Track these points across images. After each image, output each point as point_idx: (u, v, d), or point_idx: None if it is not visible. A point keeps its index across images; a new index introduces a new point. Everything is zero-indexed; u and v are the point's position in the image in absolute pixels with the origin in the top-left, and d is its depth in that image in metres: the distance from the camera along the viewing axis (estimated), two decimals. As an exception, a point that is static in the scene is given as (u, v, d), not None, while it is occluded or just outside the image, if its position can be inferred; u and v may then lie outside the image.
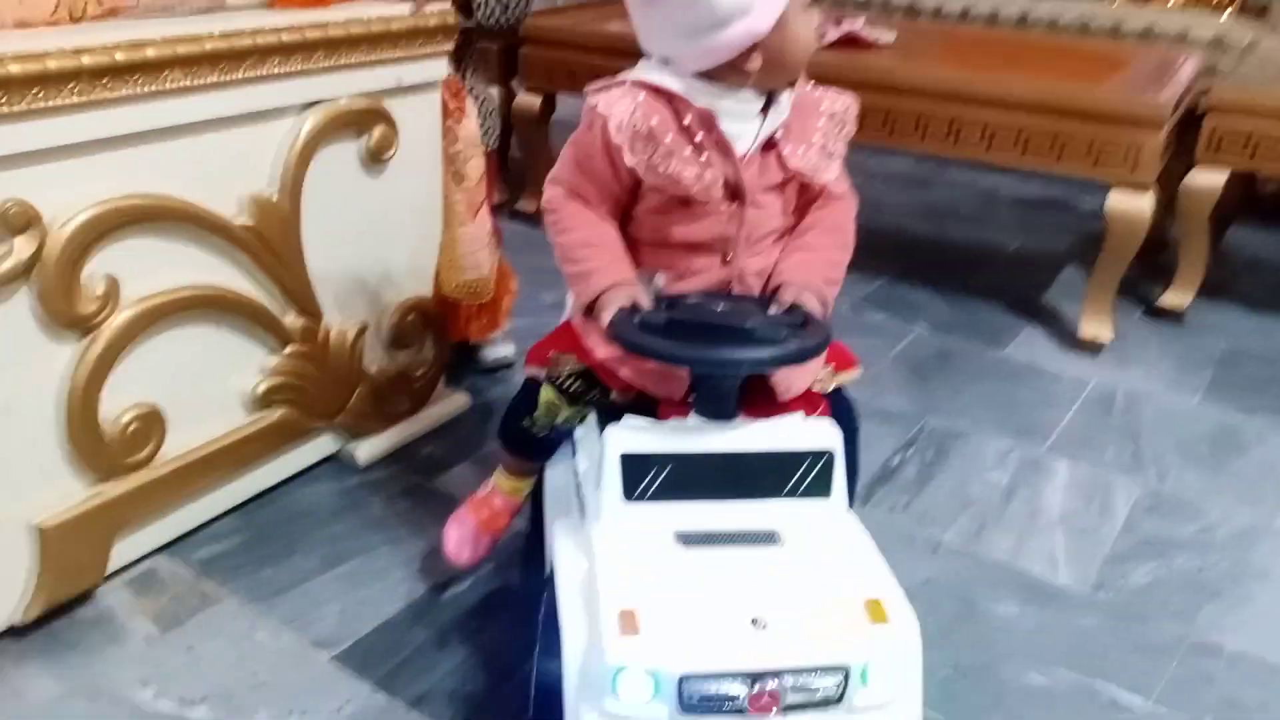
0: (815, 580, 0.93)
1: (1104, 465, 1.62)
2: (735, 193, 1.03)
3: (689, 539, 0.97)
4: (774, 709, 0.87)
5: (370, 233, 1.43)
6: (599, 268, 1.03)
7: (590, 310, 1.03)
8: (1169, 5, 2.83)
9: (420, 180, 1.47)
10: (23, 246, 1.03)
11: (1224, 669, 1.21)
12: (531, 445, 1.23)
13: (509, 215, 2.55)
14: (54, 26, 1.08)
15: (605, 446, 0.99)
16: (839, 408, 1.14)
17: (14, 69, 0.97)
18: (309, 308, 1.36)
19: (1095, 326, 1.99)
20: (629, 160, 1.00)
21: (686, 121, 1.00)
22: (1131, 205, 1.87)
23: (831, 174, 1.06)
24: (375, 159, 1.39)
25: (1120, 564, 1.39)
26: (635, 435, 0.99)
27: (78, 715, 1.07)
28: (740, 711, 0.87)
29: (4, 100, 0.97)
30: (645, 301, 1.00)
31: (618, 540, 0.97)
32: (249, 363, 1.33)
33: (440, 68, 1.44)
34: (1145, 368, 1.95)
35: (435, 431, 1.62)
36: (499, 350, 1.82)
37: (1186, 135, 1.98)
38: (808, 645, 0.88)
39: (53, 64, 1.00)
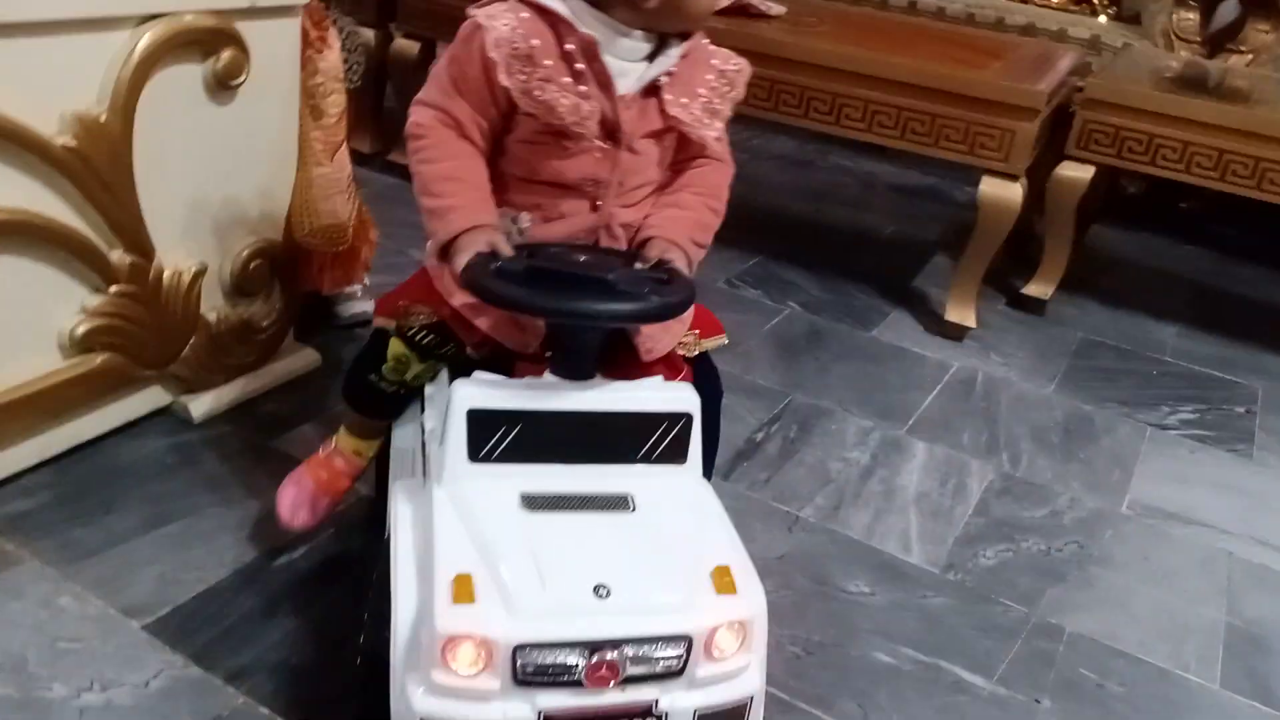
0: (663, 548, 0.90)
1: (960, 448, 1.64)
2: (611, 132, 0.98)
3: (535, 502, 0.92)
4: (612, 681, 0.83)
5: (215, 166, 1.32)
6: (459, 206, 0.97)
7: (446, 252, 0.96)
8: (1052, 3, 2.91)
9: (273, 113, 1.37)
10: None
11: (1064, 651, 1.24)
12: (378, 402, 1.16)
13: (381, 166, 2.44)
14: None
15: (451, 402, 0.93)
16: (702, 374, 1.11)
17: None
18: (140, 244, 1.25)
19: (960, 312, 2.02)
20: (504, 80, 0.94)
21: (569, 47, 0.95)
22: (1002, 193, 1.89)
23: (711, 132, 1.02)
24: (222, 85, 1.28)
25: (970, 545, 1.41)
26: (484, 391, 0.94)
27: None
28: (577, 684, 0.83)
29: None
30: (505, 248, 0.94)
31: (459, 502, 0.91)
32: (68, 301, 1.21)
33: (299, -6, 1.34)
34: (1005, 355, 1.99)
35: (280, 388, 1.52)
36: (356, 306, 1.72)
37: (1059, 131, 2.02)
38: (650, 614, 0.85)
39: None
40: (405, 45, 2.33)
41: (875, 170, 2.98)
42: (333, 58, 1.40)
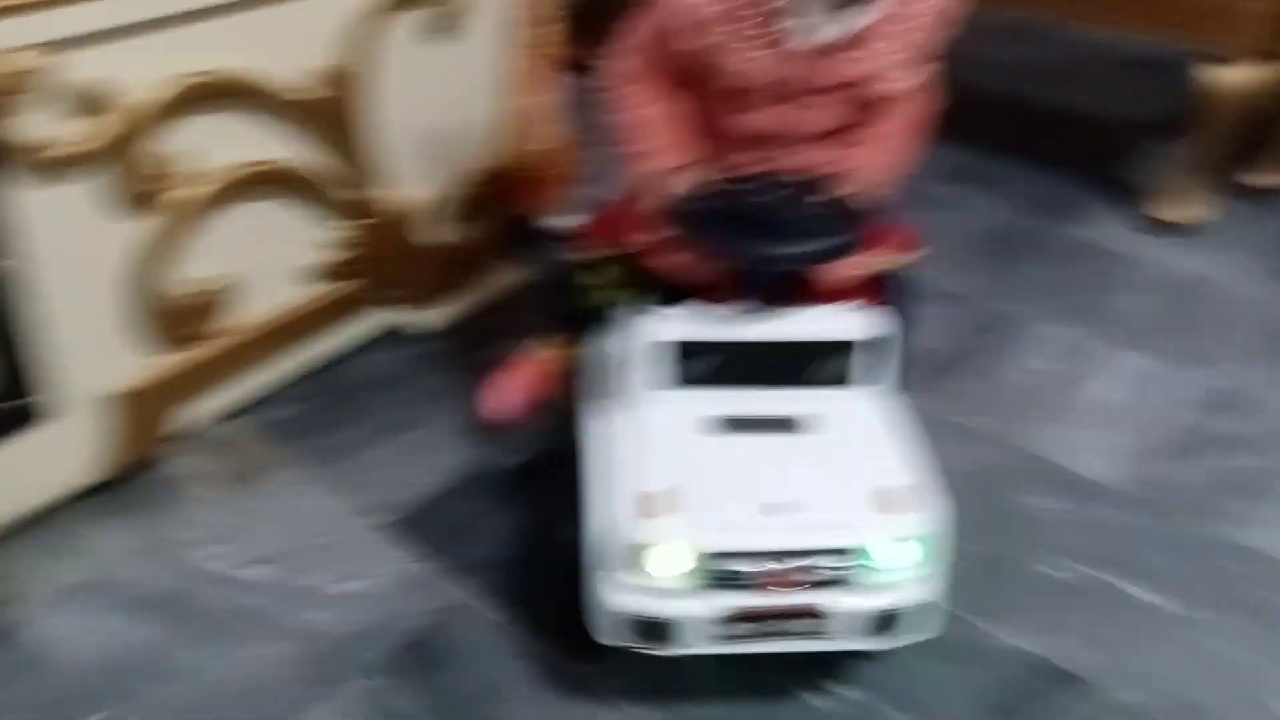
0: (830, 467, 0.97)
1: (1163, 357, 1.58)
2: (785, 89, 1.00)
3: (712, 425, 1.00)
4: (787, 585, 0.91)
5: (440, 104, 1.42)
6: (660, 148, 1.04)
7: (647, 190, 1.03)
8: None
9: (493, 48, 1.44)
10: (94, 129, 1.05)
11: (1245, 569, 1.21)
12: (576, 322, 1.26)
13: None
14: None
15: (635, 334, 1.02)
16: (895, 291, 1.13)
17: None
18: (373, 181, 1.37)
19: (1172, 209, 1.90)
20: (685, 43, 0.99)
21: (755, 14, 0.97)
22: (1228, 77, 1.74)
23: (900, 85, 1.02)
24: (446, 29, 1.36)
25: (1159, 460, 1.38)
26: (667, 324, 1.02)
27: (144, 573, 1.17)
28: (750, 588, 0.92)
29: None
30: (693, 188, 1.01)
31: (645, 424, 1.00)
32: (312, 237, 1.36)
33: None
34: (1220, 252, 1.86)
35: (494, 303, 1.65)
36: (561, 221, 1.81)
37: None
38: (816, 530, 0.92)
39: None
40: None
41: (1102, 41, 2.75)
42: (542, -5, 1.46)
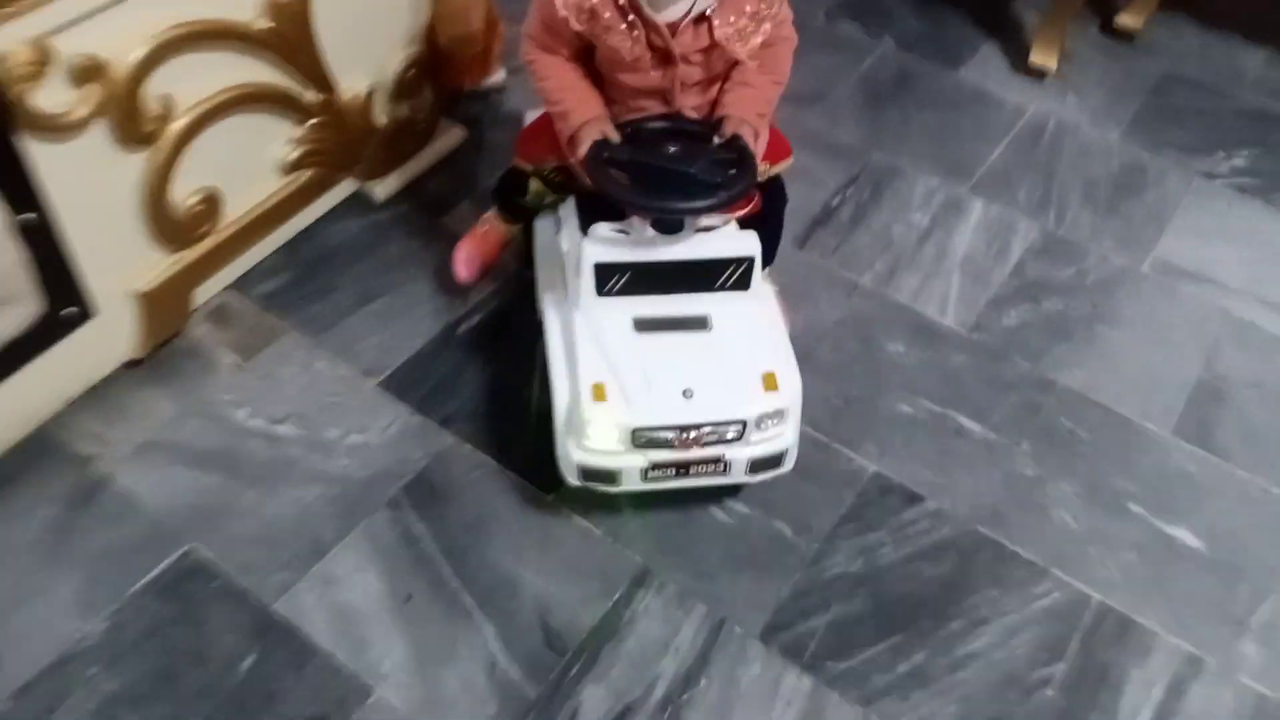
0: (729, 359, 1.29)
1: (1014, 205, 1.90)
2: (666, 56, 1.23)
3: (643, 325, 1.31)
4: (694, 446, 1.27)
5: (372, 4, 1.58)
6: (573, 107, 1.27)
7: (571, 141, 1.27)
8: None
9: (416, -50, 1.59)
10: (94, 92, 1.24)
11: (1052, 401, 1.60)
12: (521, 211, 1.54)
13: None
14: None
15: (582, 255, 1.30)
16: (773, 191, 1.42)
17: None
18: (324, 84, 1.56)
19: (1044, 53, 2.14)
20: (576, 27, 1.21)
21: (621, 1, 1.19)
22: (1094, -56, 1.95)
23: (755, 41, 1.24)
24: (373, -62, 1.51)
25: (999, 306, 1.73)
26: (604, 247, 1.30)
27: (195, 430, 1.47)
28: (672, 446, 1.27)
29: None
30: (613, 134, 1.25)
31: (590, 325, 1.31)
32: (281, 137, 1.56)
33: None
34: (1081, 96, 2.14)
35: (439, 165, 1.87)
36: (492, 77, 2.00)
37: None
38: (718, 408, 1.26)
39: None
40: None
41: None
42: (459, -112, 1.58)
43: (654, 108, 1.29)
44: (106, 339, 1.45)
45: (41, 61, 1.17)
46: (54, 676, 1.22)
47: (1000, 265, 1.80)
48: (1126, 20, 2.25)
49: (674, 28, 1.21)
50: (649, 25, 1.20)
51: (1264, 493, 1.50)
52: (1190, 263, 1.82)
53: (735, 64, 1.28)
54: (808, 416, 1.49)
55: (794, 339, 1.38)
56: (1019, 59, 2.19)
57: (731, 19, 1.22)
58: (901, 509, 1.45)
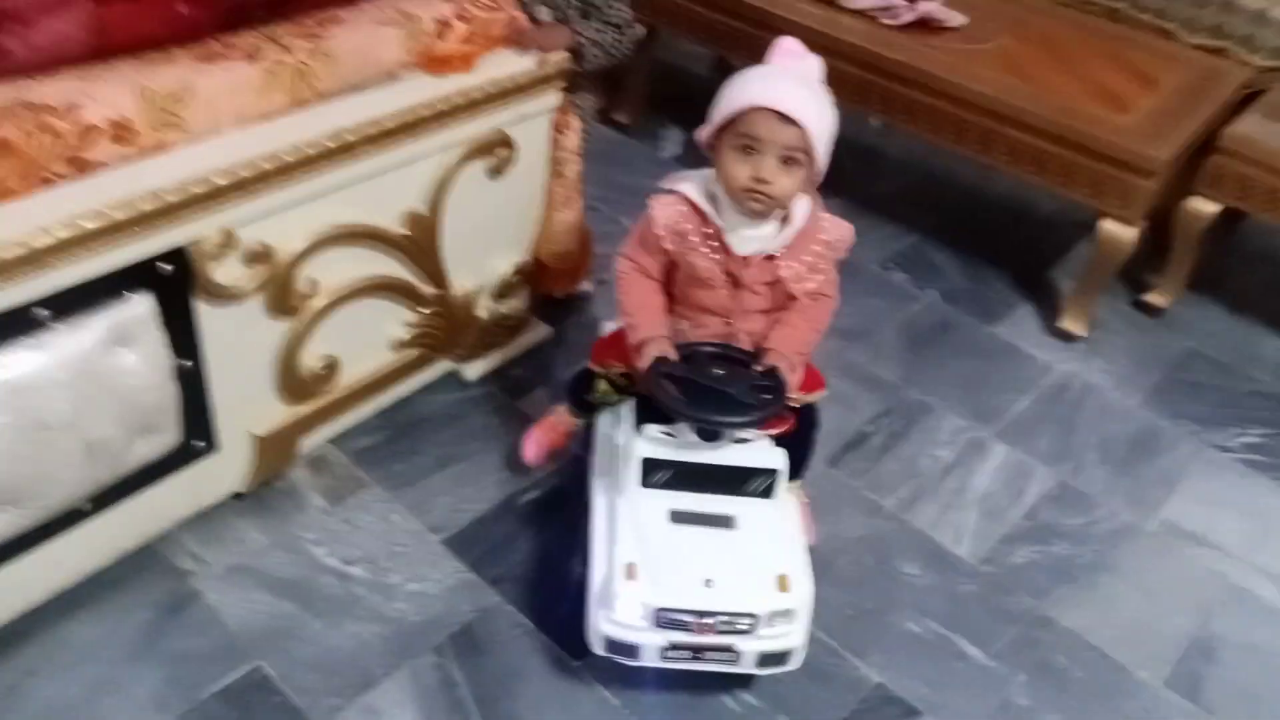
0: (749, 557, 1.46)
1: (1034, 454, 2.08)
2: (736, 281, 1.48)
3: (678, 517, 1.50)
4: (709, 632, 1.43)
5: (489, 222, 1.89)
6: (643, 322, 1.51)
7: (637, 351, 1.51)
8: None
9: (530, 182, 1.91)
10: (260, 272, 1.53)
11: (1050, 639, 1.72)
12: (588, 407, 1.76)
13: (602, 120, 2.94)
14: (284, 115, 1.52)
15: (633, 449, 1.51)
16: (806, 415, 1.63)
17: (264, 165, 1.44)
18: (440, 279, 1.85)
19: (1072, 321, 2.37)
20: (667, 246, 1.47)
21: (708, 230, 1.45)
22: (1119, 234, 2.21)
23: (809, 286, 1.49)
24: (498, 172, 1.83)
25: (1010, 543, 1.88)
26: (652, 445, 1.51)
27: (280, 561, 1.68)
28: (690, 629, 1.43)
29: (255, 186, 1.44)
30: (671, 352, 1.49)
31: (632, 511, 1.50)
32: (397, 319, 1.84)
33: (553, 98, 1.84)
34: (1107, 362, 2.34)
35: (524, 355, 2.13)
36: (579, 287, 2.29)
37: (1195, 162, 2.26)
38: (735, 600, 1.43)
39: (287, 157, 1.46)
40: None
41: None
42: (572, 138, 1.91)
43: (716, 325, 1.53)
44: (222, 472, 1.69)
45: (227, 245, 1.47)
46: (124, 763, 1.39)
47: (1015, 506, 1.96)
48: (1155, 298, 2.48)
49: (747, 260, 1.46)
50: (728, 252, 1.46)
51: (1247, 753, 1.59)
52: (1193, 526, 1.96)
53: (790, 301, 1.52)
54: (821, 622, 1.64)
55: (816, 549, 1.55)
56: (1051, 322, 2.42)
57: (794, 264, 1.47)
58: (894, 717, 1.57)
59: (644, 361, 1.47)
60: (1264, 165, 2.17)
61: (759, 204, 1.40)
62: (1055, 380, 2.27)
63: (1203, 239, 2.35)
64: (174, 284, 1.45)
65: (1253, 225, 2.76)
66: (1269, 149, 2.17)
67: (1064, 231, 2.76)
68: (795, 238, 1.46)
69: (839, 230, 1.50)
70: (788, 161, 1.38)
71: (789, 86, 1.37)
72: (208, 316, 1.52)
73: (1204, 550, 1.92)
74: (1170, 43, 2.62)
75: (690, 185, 1.46)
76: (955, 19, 2.51)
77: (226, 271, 1.50)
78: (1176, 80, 2.36)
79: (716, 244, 1.46)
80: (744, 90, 1.38)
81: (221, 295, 1.51)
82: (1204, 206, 2.28)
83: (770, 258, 1.46)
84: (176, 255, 1.43)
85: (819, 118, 1.38)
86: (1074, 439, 2.13)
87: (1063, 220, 2.80)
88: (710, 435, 1.50)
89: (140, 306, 1.40)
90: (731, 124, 1.38)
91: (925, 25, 2.48)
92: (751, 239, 1.46)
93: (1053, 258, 2.66)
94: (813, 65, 1.41)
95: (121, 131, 1.36)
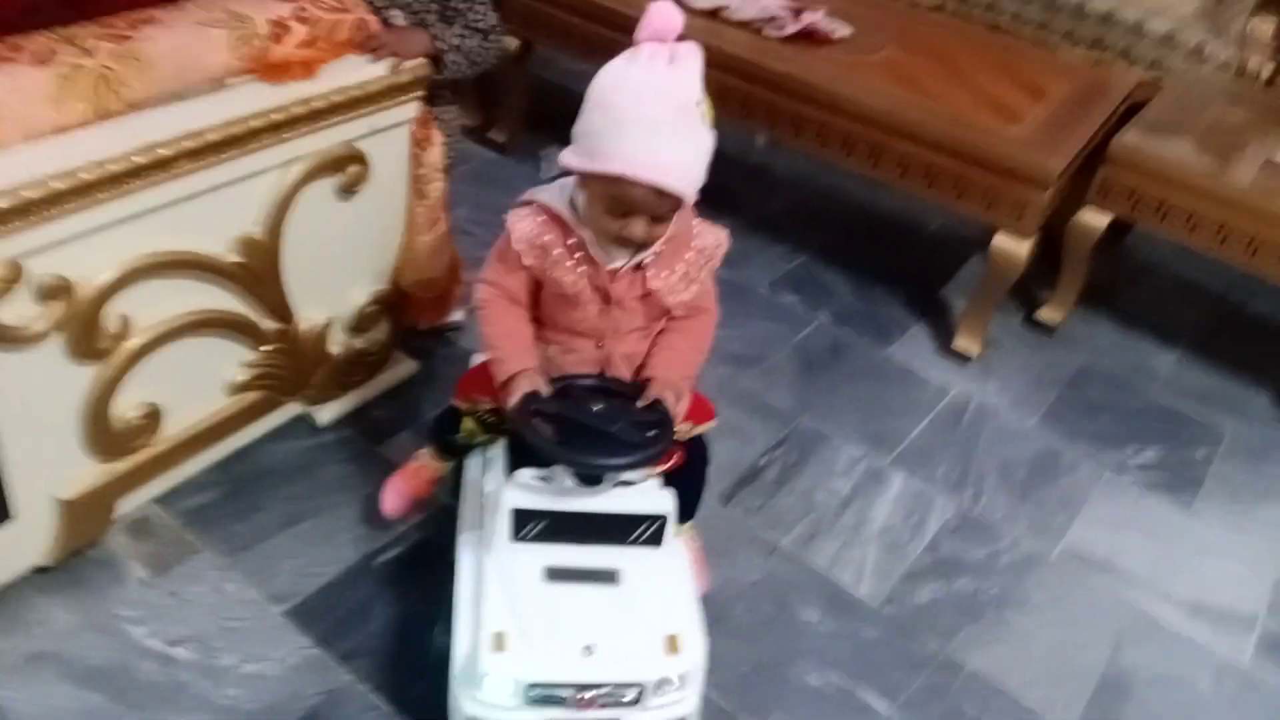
0: (634, 617, 1.30)
1: (933, 482, 1.98)
2: (606, 297, 1.32)
3: (554, 574, 1.32)
4: (590, 707, 1.26)
5: (341, 247, 1.69)
6: (510, 355, 1.34)
7: (504, 388, 1.34)
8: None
9: (387, 203, 1.72)
10: (55, 309, 1.31)
11: (959, 685, 1.61)
12: (454, 449, 1.57)
13: (478, 140, 2.77)
14: (85, 128, 1.30)
15: (501, 499, 1.33)
16: (695, 449, 1.48)
17: (57, 185, 1.22)
18: (283, 314, 1.64)
19: (967, 341, 2.30)
20: (527, 261, 1.31)
21: (570, 241, 1.30)
22: (1012, 249, 2.13)
23: (684, 297, 1.35)
24: (349, 191, 1.63)
25: (912, 581, 1.77)
26: (523, 493, 1.33)
27: (91, 645, 1.44)
28: (568, 705, 1.25)
29: (48, 210, 1.22)
30: (542, 387, 1.31)
31: (501, 570, 1.32)
32: (232, 360, 1.62)
33: (411, 109, 1.66)
34: (1002, 382, 2.27)
35: (386, 394, 1.93)
36: (450, 316, 2.10)
37: (1087, 174, 2.21)
38: (618, 668, 1.26)
39: (85, 175, 1.24)
40: (507, 40, 2.60)
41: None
42: (435, 153, 1.73)
43: (588, 350, 1.37)
44: (20, 543, 1.45)
45: (11, 279, 1.24)
46: None
47: (916, 539, 1.85)
48: (1047, 314, 2.43)
49: (614, 274, 1.31)
50: (593, 264, 1.30)
51: (1165, 799, 1.50)
52: (1098, 552, 1.88)
53: (666, 318, 1.37)
54: (716, 679, 1.48)
55: (710, 598, 1.40)
56: (945, 342, 2.34)
57: (664, 274, 1.32)
58: (801, 788, 1.43)
59: (513, 398, 1.30)
60: (1152, 175, 2.13)
61: (631, 246, 1.28)
62: (951, 402, 2.19)
63: (1092, 253, 2.31)
64: (-56, 325, 1.21)
65: (1138, 238, 2.75)
66: (1156, 159, 2.14)
67: (955, 248, 2.70)
68: (665, 246, 1.32)
69: (712, 235, 1.36)
70: (661, 220, 1.26)
71: (671, 147, 1.20)
72: (-4, 361, 1.28)
73: (1110, 578, 1.84)
74: (1055, 54, 2.59)
75: (550, 194, 1.31)
76: (841, 30, 2.43)
77: (14, 310, 1.27)
78: (1064, 91, 2.32)
79: (581, 254, 1.30)
80: (620, 145, 1.19)
81: (9, 338, 1.28)
82: (1095, 219, 2.23)
83: (639, 267, 1.31)
84: (-54, 292, 1.20)
85: (698, 170, 1.23)
86: (972, 464, 2.04)
87: (954, 237, 2.75)
88: (590, 479, 1.33)
89: (-106, 355, 1.17)
90: (602, 175, 1.22)
91: (810, 37, 2.39)
92: (619, 252, 1.31)
93: (945, 276, 2.59)
94: (687, 66, 1.25)
95: None
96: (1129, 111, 2.32)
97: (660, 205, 1.22)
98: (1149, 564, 1.87)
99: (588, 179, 1.25)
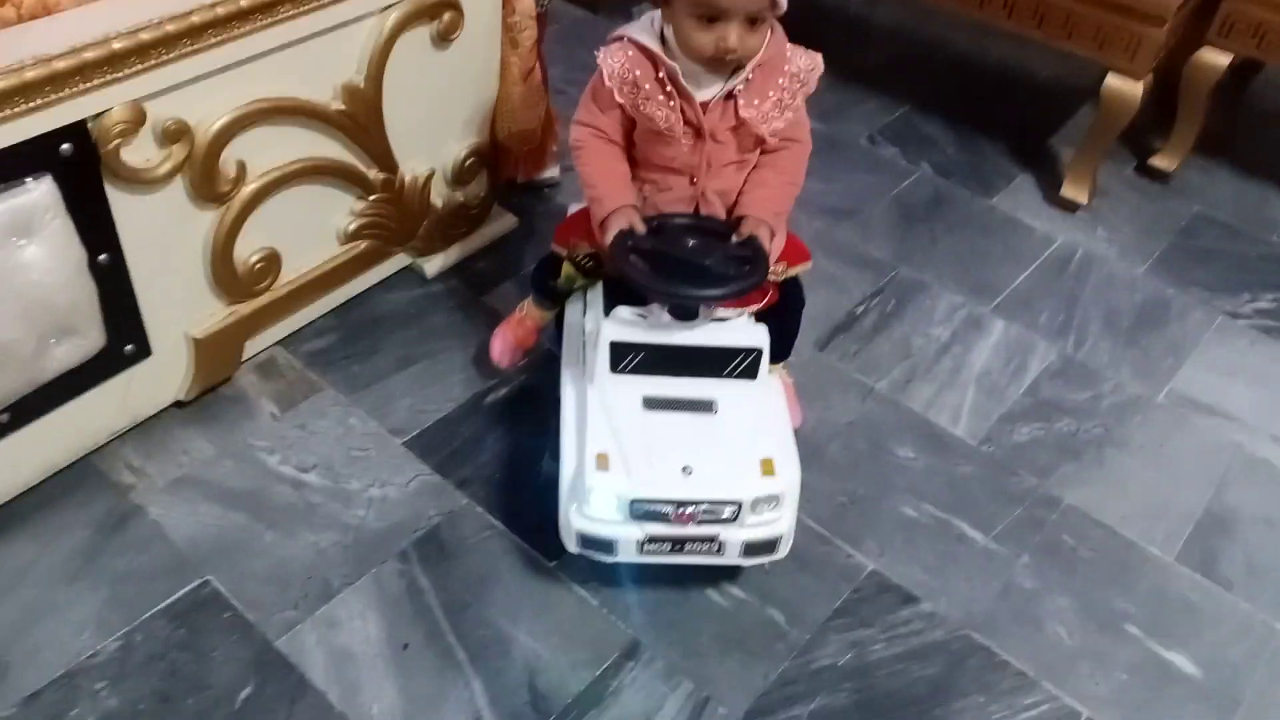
0: (729, 441, 1.35)
1: (1035, 328, 1.95)
2: (698, 130, 1.33)
3: (652, 403, 1.38)
4: (690, 523, 1.32)
5: (439, 96, 1.72)
6: (606, 194, 1.37)
7: (602, 226, 1.37)
8: None
9: (481, 52, 1.74)
10: (178, 152, 1.37)
11: (1056, 518, 1.62)
12: (554, 294, 1.62)
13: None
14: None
15: (600, 334, 1.38)
16: (790, 290, 1.50)
17: (169, 28, 1.27)
18: (388, 164, 1.69)
19: (1075, 188, 2.22)
20: (619, 99, 1.33)
21: (661, 74, 1.31)
22: (1125, 90, 2.04)
23: (778, 125, 1.34)
24: (444, 39, 1.65)
25: (1011, 421, 1.77)
26: (621, 327, 1.38)
27: (230, 471, 1.56)
28: (669, 520, 1.32)
29: (163, 52, 1.28)
30: (638, 224, 1.34)
31: (602, 398, 1.38)
32: (342, 208, 1.69)
33: (502, -46, 1.66)
34: (1111, 230, 2.20)
35: (488, 247, 1.99)
36: (546, 171, 2.13)
37: (1204, 13, 2.09)
38: (715, 487, 1.31)
39: (196, 18, 1.29)
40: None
41: None
42: (526, 1, 1.73)
43: (682, 186, 1.38)
44: (159, 379, 1.56)
45: (136, 121, 1.31)
46: (61, 688, 1.29)
47: (1016, 383, 1.84)
48: (1161, 161, 2.33)
49: (705, 106, 1.31)
50: (684, 97, 1.31)
51: (1265, 626, 1.50)
52: (1206, 396, 1.84)
53: (760, 150, 1.37)
54: (812, 510, 1.54)
55: (804, 437, 1.43)
56: (1052, 191, 2.27)
57: (756, 101, 1.32)
58: (896, 608, 1.48)
59: (610, 235, 1.34)
60: (1277, 5, 1.99)
61: (726, 66, 1.28)
62: (1056, 251, 2.14)
63: (1211, 97, 2.19)
64: (79, 167, 1.29)
65: (1261, 85, 2.59)
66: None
67: (1063, 98, 2.59)
68: (756, 73, 1.31)
69: (806, 58, 1.34)
70: (754, 23, 1.24)
71: None
72: (123, 204, 1.37)
73: (1217, 420, 1.80)
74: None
75: (638, 28, 1.31)
76: None
77: (138, 152, 1.34)
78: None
79: (671, 88, 1.31)
80: None
81: (135, 179, 1.36)
82: (1215, 58, 2.11)
83: (730, 97, 1.31)
84: (79, 134, 1.27)
85: None
86: (1077, 312, 2.00)
87: (1063, 86, 2.63)
88: (685, 313, 1.37)
89: (38, 193, 1.25)
90: None
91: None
92: (709, 81, 1.31)
93: (1052, 125, 2.50)
94: None
95: (-3, -11, 1.20)
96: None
97: (749, 2, 1.21)
98: (1260, 408, 1.83)
99: (674, 2, 1.25)
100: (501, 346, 1.71)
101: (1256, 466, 1.73)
